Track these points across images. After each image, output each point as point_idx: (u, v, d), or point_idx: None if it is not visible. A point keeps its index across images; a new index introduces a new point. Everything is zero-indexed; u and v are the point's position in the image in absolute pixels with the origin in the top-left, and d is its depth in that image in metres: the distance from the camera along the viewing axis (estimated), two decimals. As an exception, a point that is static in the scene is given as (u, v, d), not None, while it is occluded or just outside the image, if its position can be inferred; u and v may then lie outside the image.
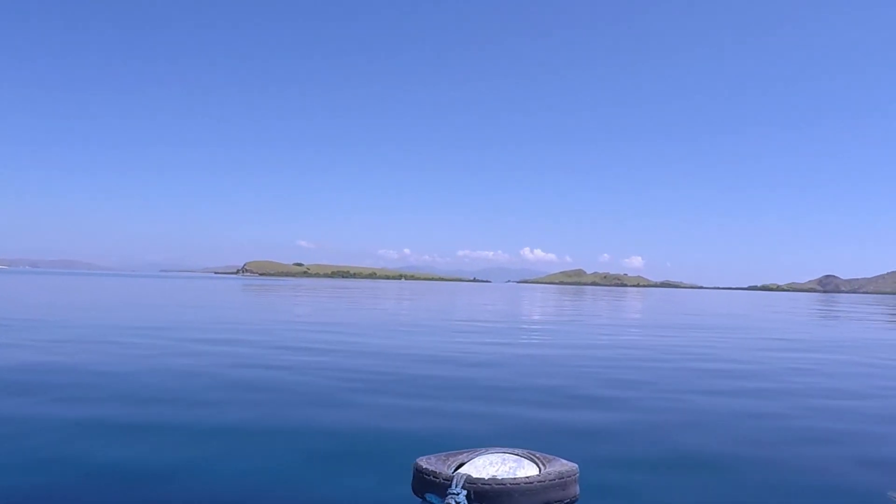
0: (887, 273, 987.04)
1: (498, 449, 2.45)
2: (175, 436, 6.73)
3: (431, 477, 2.21)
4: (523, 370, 12.10)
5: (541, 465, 2.29)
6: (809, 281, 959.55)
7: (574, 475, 2.28)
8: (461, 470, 2.24)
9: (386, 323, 23.88)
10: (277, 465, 5.85)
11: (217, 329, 19.30)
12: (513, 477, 2.18)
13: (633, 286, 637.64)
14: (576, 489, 2.27)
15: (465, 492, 2.10)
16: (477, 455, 2.38)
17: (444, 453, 2.40)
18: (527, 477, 2.18)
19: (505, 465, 2.29)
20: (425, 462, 2.30)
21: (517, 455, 2.39)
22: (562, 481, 2.21)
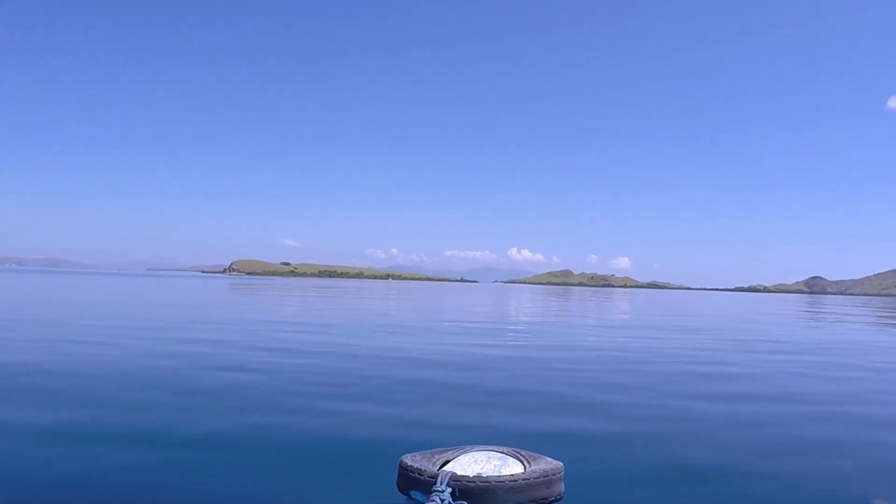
0: (874, 275, 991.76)
1: (483, 447, 2.46)
2: (140, 445, 6.26)
3: (416, 474, 2.18)
4: (507, 373, 11.66)
5: (526, 463, 2.28)
6: (796, 282, 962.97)
7: (559, 473, 2.26)
8: (446, 467, 2.23)
9: (369, 323, 23.44)
10: (244, 475, 5.47)
11: (195, 329, 18.76)
12: (497, 475, 2.17)
13: (621, 287, 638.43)
14: (560, 487, 2.24)
15: (449, 489, 2.07)
16: (462, 453, 2.38)
17: (429, 451, 2.40)
18: (511, 475, 2.17)
19: (490, 462, 2.28)
20: (410, 459, 2.29)
21: (502, 453, 2.39)
22: (546, 479, 2.19)
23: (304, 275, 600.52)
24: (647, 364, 13.59)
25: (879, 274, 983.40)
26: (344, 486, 5.29)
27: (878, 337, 25.78)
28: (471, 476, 2.15)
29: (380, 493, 4.91)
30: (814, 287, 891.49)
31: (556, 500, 2.25)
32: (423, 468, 2.20)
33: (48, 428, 6.73)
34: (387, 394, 9.28)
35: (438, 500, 2.07)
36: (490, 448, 2.44)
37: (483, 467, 2.25)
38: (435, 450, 2.41)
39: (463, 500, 2.11)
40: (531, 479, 2.16)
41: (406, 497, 2.23)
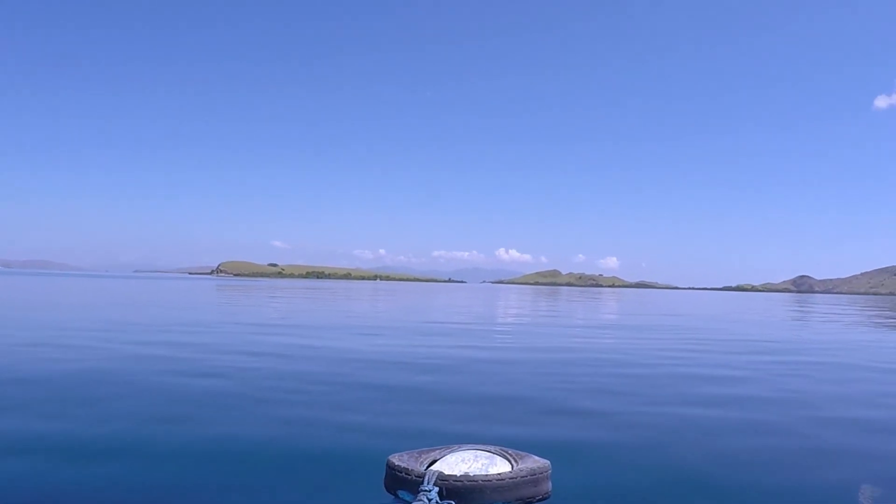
0: (860, 273, 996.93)
1: (471, 446, 2.45)
2: (98, 457, 5.76)
3: (404, 474, 2.18)
4: (491, 377, 11.13)
5: (513, 462, 2.28)
6: (784, 281, 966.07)
7: (546, 472, 2.27)
8: (434, 467, 2.23)
9: (352, 325, 22.92)
10: (219, 486, 5.07)
11: (170, 331, 18.13)
12: (485, 474, 2.17)
13: (609, 287, 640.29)
14: (548, 486, 2.26)
15: (437, 489, 2.07)
16: (450, 452, 2.37)
17: (416, 450, 2.38)
18: (499, 473, 2.17)
19: (477, 461, 2.28)
20: (398, 459, 2.29)
21: (490, 452, 2.38)
22: (534, 478, 2.19)
23: (291, 276, 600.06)
24: (636, 366, 13.11)
25: (866, 273, 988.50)
26: (330, 488, 5.20)
27: (871, 336, 25.36)
28: (458, 475, 2.14)
29: (367, 494, 4.84)
30: (801, 286, 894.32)
31: (544, 499, 2.24)
32: (410, 468, 2.20)
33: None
34: (366, 401, 8.72)
35: (426, 500, 2.05)
36: (477, 447, 2.43)
37: (470, 466, 2.24)
38: (422, 449, 2.39)
39: (450, 499, 2.10)
40: (518, 478, 2.16)
41: (393, 497, 2.22)
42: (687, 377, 11.84)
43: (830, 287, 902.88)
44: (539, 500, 2.25)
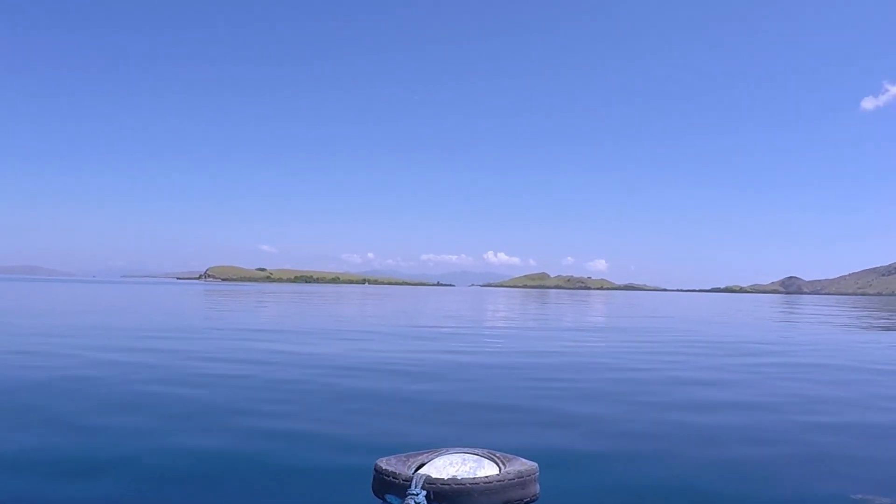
0: (848, 274, 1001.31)
1: (458, 449, 2.44)
2: (45, 466, 5.52)
3: (391, 478, 2.20)
4: (476, 383, 10.81)
5: (501, 465, 2.28)
6: (772, 282, 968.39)
7: (534, 474, 2.27)
8: (421, 470, 2.24)
9: (338, 329, 22.67)
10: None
11: (151, 337, 17.71)
12: (472, 477, 2.18)
13: (597, 289, 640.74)
14: (536, 488, 2.26)
15: (424, 492, 2.10)
16: (437, 455, 2.37)
17: (404, 454, 2.39)
18: (486, 476, 2.18)
19: (465, 465, 2.28)
20: (385, 463, 2.30)
21: (477, 455, 2.38)
22: (521, 480, 2.20)
23: (279, 280, 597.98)
24: (626, 370, 12.83)
25: (854, 273, 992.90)
26: (317, 493, 5.17)
27: (862, 337, 25.16)
28: (445, 478, 2.16)
29: (355, 498, 4.84)
30: (790, 287, 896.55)
31: (532, 502, 2.26)
32: (397, 471, 2.22)
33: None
34: (350, 409, 8.43)
35: (413, 503, 2.09)
36: (465, 450, 2.43)
37: (458, 469, 2.25)
38: (410, 453, 2.40)
39: (438, 502, 2.13)
40: (506, 481, 2.18)
41: (381, 501, 2.25)
42: (679, 381, 11.54)
43: (819, 288, 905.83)
44: (527, 503, 2.26)
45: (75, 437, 6.63)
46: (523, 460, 2.33)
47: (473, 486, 2.13)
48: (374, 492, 2.28)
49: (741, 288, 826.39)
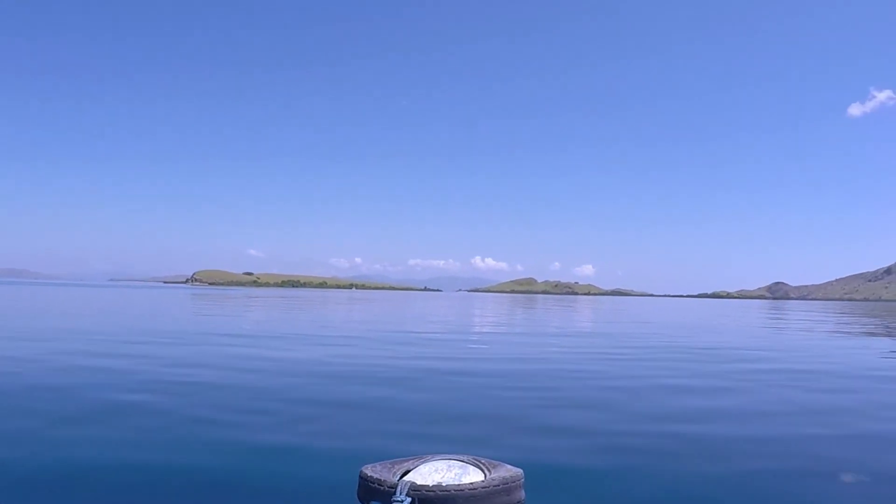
0: (835, 280, 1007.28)
1: (444, 455, 2.43)
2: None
3: (376, 485, 2.20)
4: (460, 391, 10.38)
5: (486, 471, 2.28)
6: (759, 288, 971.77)
7: (519, 480, 2.27)
8: (407, 477, 2.24)
9: (318, 335, 22.28)
10: None
11: (124, 342, 17.19)
12: (458, 483, 2.18)
13: (584, 294, 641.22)
14: (521, 494, 2.26)
15: (409, 499, 2.10)
16: (423, 462, 2.38)
17: (390, 461, 2.39)
18: (471, 483, 2.18)
19: (450, 471, 2.28)
20: (370, 470, 2.30)
21: (463, 461, 2.38)
22: (506, 487, 2.20)
23: (266, 285, 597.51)
24: (617, 378, 12.49)
25: (840, 279, 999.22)
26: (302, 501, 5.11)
27: (852, 342, 24.83)
28: (430, 485, 2.17)
29: None
30: (776, 292, 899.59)
31: None
32: (383, 478, 2.22)
33: None
34: (326, 418, 8.00)
35: None
36: (451, 457, 2.41)
37: (443, 476, 2.25)
38: (395, 459, 2.40)
39: None
40: (491, 487, 2.17)
41: None
42: (671, 389, 11.12)
43: (805, 293, 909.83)
44: None
45: (23, 449, 6.17)
46: (508, 467, 2.33)
47: (458, 492, 2.13)
48: (359, 499, 2.28)
49: (728, 293, 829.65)
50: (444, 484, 2.19)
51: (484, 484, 2.18)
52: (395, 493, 2.13)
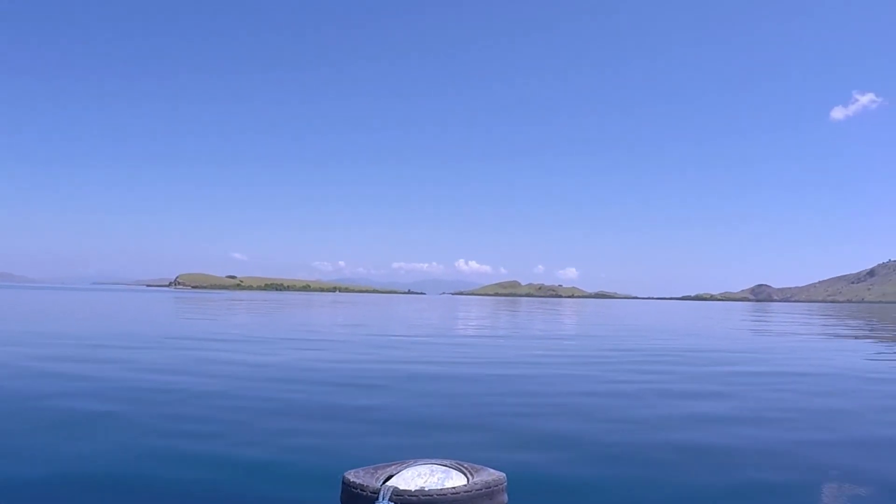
0: (818, 282, 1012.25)
1: (427, 460, 2.45)
2: None
3: (359, 490, 2.22)
4: (442, 397, 9.98)
5: (469, 476, 2.30)
6: (742, 290, 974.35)
7: (502, 484, 2.29)
8: (390, 482, 2.26)
9: (298, 338, 21.94)
10: None
11: (97, 346, 16.76)
12: (440, 488, 2.21)
13: (568, 297, 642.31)
14: (504, 498, 2.29)
15: None
16: (406, 467, 2.39)
17: (372, 466, 2.40)
18: (454, 487, 2.20)
19: (433, 476, 2.30)
20: (353, 475, 2.31)
21: (445, 466, 2.40)
22: (489, 490, 2.22)
23: (250, 288, 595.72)
24: (604, 382, 12.10)
25: (823, 281, 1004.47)
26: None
27: (840, 345, 24.64)
28: (413, 490, 2.17)
29: None
30: (760, 294, 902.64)
31: None
32: (365, 483, 2.23)
33: None
34: (304, 425, 7.65)
35: None
36: (433, 461, 2.42)
37: (426, 481, 2.26)
38: (379, 465, 2.41)
39: None
40: (473, 491, 2.18)
41: None
42: (662, 393, 10.72)
43: (789, 295, 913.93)
44: None
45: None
46: (491, 470, 2.35)
47: (441, 497, 2.15)
48: None
49: (711, 296, 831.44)
50: (426, 488, 2.20)
51: (466, 488, 2.20)
52: (377, 499, 2.14)
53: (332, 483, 2.39)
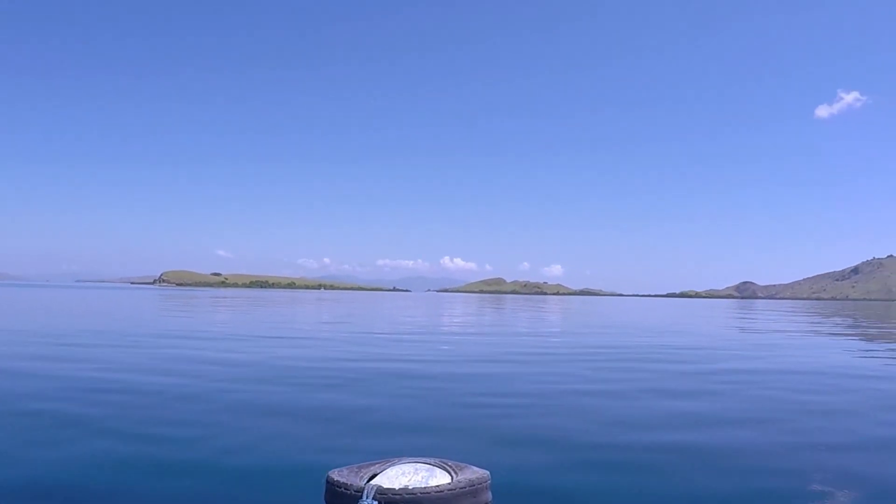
0: (803, 279, 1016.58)
1: (411, 459, 2.46)
2: None
3: (343, 489, 2.22)
4: (419, 397, 9.66)
5: (453, 474, 2.30)
6: (727, 287, 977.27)
7: (486, 482, 2.29)
8: (374, 481, 2.26)
9: (279, 336, 21.72)
10: None
11: (68, 344, 16.39)
12: (424, 486, 2.21)
13: (553, 294, 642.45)
14: (487, 495, 2.29)
15: (376, 503, 2.13)
16: (390, 465, 2.40)
17: (357, 465, 2.41)
18: (437, 486, 2.20)
19: (417, 474, 2.31)
20: (337, 474, 2.32)
21: (429, 464, 2.40)
22: (473, 488, 2.23)
23: (235, 285, 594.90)
24: (589, 382, 11.81)
25: (808, 278, 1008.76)
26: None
27: (827, 341, 24.53)
28: (397, 489, 2.19)
29: None
30: (744, 292, 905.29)
31: None
32: (349, 482, 2.24)
33: None
34: (287, 424, 7.42)
35: None
36: (417, 460, 2.45)
37: (410, 479, 2.28)
38: (363, 463, 2.42)
39: None
40: (457, 489, 2.20)
41: None
42: (649, 392, 10.47)
43: (773, 293, 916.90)
44: None
45: None
46: (475, 468, 2.35)
47: (424, 495, 2.16)
48: (326, 503, 2.31)
49: (696, 293, 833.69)
50: (410, 487, 2.20)
51: (450, 486, 2.20)
52: (361, 497, 2.14)
53: (316, 482, 2.37)
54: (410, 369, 12.81)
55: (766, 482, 5.66)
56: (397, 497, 2.16)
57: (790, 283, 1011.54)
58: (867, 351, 21.03)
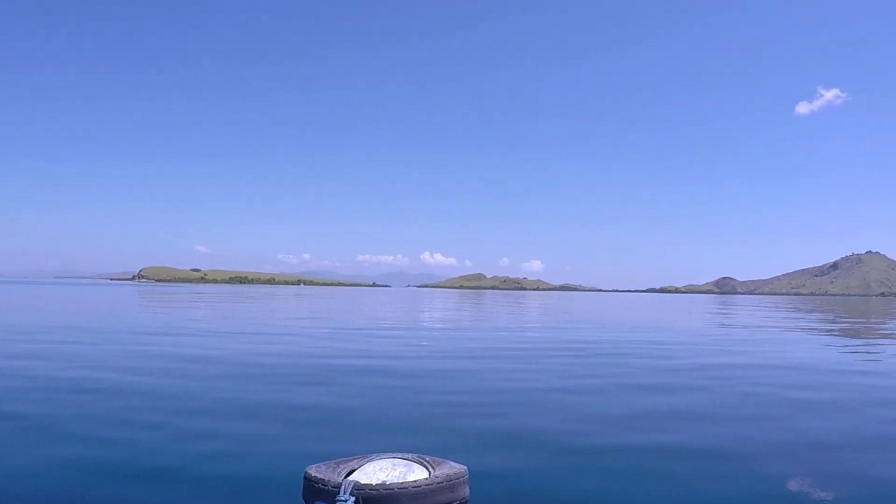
0: (782, 274, 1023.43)
1: (389, 454, 2.45)
2: None
3: (320, 485, 2.20)
4: (398, 394, 9.34)
5: (430, 469, 2.30)
6: (707, 283, 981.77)
7: (463, 477, 2.29)
8: (351, 477, 2.25)
9: (255, 332, 21.35)
10: None
11: (35, 341, 16.01)
12: (401, 481, 2.20)
13: (533, 290, 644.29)
14: (465, 491, 2.29)
15: (353, 498, 2.11)
16: (368, 461, 2.39)
17: (334, 461, 2.39)
18: (415, 481, 2.20)
19: (395, 470, 2.29)
20: (315, 470, 2.30)
21: (407, 459, 2.40)
22: (450, 483, 2.22)
23: (214, 281, 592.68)
24: (575, 378, 11.56)
25: (787, 274, 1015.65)
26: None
27: (806, 336, 24.40)
28: (374, 484, 2.18)
29: None
30: (724, 287, 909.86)
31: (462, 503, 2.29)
32: (327, 478, 2.23)
33: None
34: (264, 421, 7.15)
35: None
36: (395, 455, 2.46)
37: (388, 475, 2.28)
38: (340, 459, 2.43)
39: None
40: (434, 485, 2.20)
41: None
42: (633, 388, 10.24)
43: (753, 288, 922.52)
44: None
45: None
46: (452, 463, 2.34)
47: (402, 490, 2.15)
48: (304, 499, 2.28)
49: (676, 288, 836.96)
50: (388, 482, 2.20)
51: (428, 481, 2.20)
52: (339, 493, 2.13)
53: (293, 479, 2.38)
54: (389, 366, 12.49)
55: (750, 479, 5.46)
56: (375, 492, 2.14)
57: (769, 279, 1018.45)
58: (848, 346, 20.99)
